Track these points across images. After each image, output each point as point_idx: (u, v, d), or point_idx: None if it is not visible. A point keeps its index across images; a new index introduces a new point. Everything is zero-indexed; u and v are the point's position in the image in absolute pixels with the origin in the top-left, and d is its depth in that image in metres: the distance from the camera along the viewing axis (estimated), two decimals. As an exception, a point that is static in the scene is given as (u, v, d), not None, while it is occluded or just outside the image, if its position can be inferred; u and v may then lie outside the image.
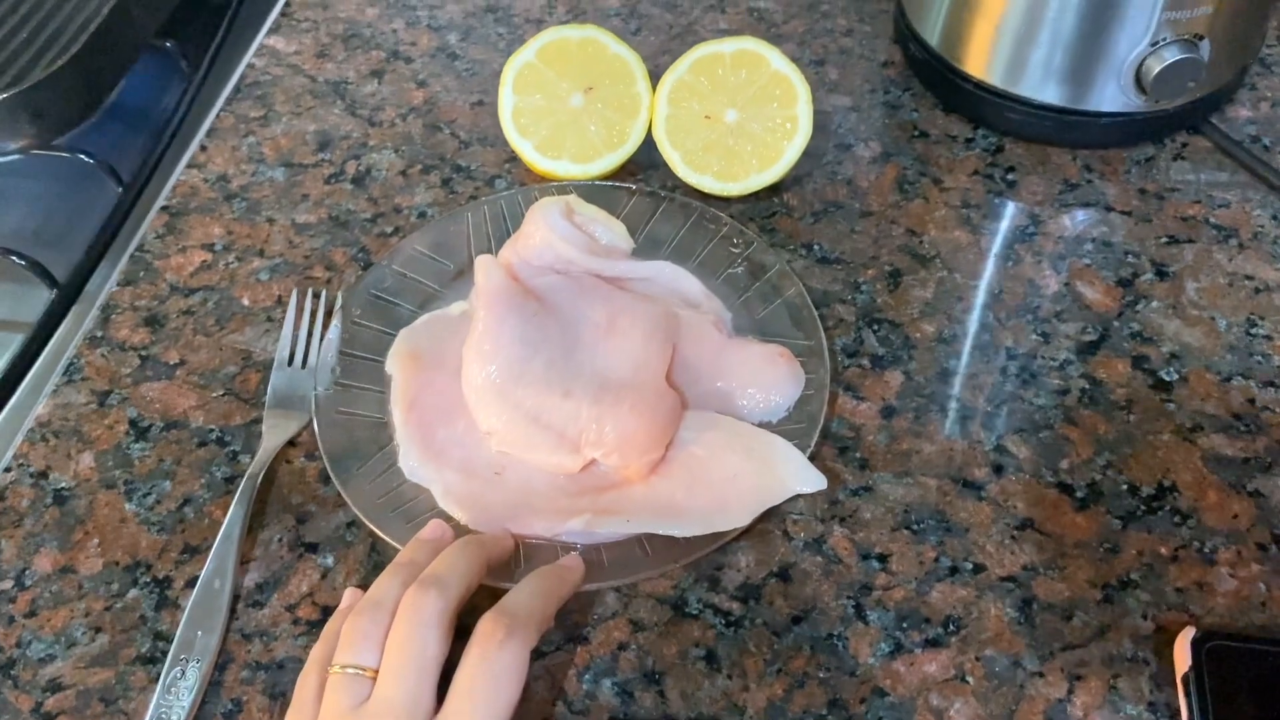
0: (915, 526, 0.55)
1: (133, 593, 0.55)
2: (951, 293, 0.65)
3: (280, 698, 0.51)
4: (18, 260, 0.69)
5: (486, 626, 0.45)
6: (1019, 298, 0.65)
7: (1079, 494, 0.56)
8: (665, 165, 0.69)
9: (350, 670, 0.45)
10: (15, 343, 0.69)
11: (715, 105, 0.68)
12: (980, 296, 0.65)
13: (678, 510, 0.52)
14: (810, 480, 0.53)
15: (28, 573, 0.56)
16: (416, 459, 0.55)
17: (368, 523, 0.54)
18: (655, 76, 0.70)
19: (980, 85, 0.71)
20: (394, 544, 0.53)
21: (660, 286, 0.62)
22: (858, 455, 0.58)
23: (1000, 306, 0.65)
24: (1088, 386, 0.61)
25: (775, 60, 0.67)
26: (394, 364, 0.59)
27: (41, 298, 0.71)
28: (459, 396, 0.57)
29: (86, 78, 0.74)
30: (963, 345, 0.63)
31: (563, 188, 0.68)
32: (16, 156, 0.76)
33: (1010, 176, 0.71)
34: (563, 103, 0.69)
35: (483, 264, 0.58)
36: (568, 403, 0.55)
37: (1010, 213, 0.69)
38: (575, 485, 0.54)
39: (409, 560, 0.49)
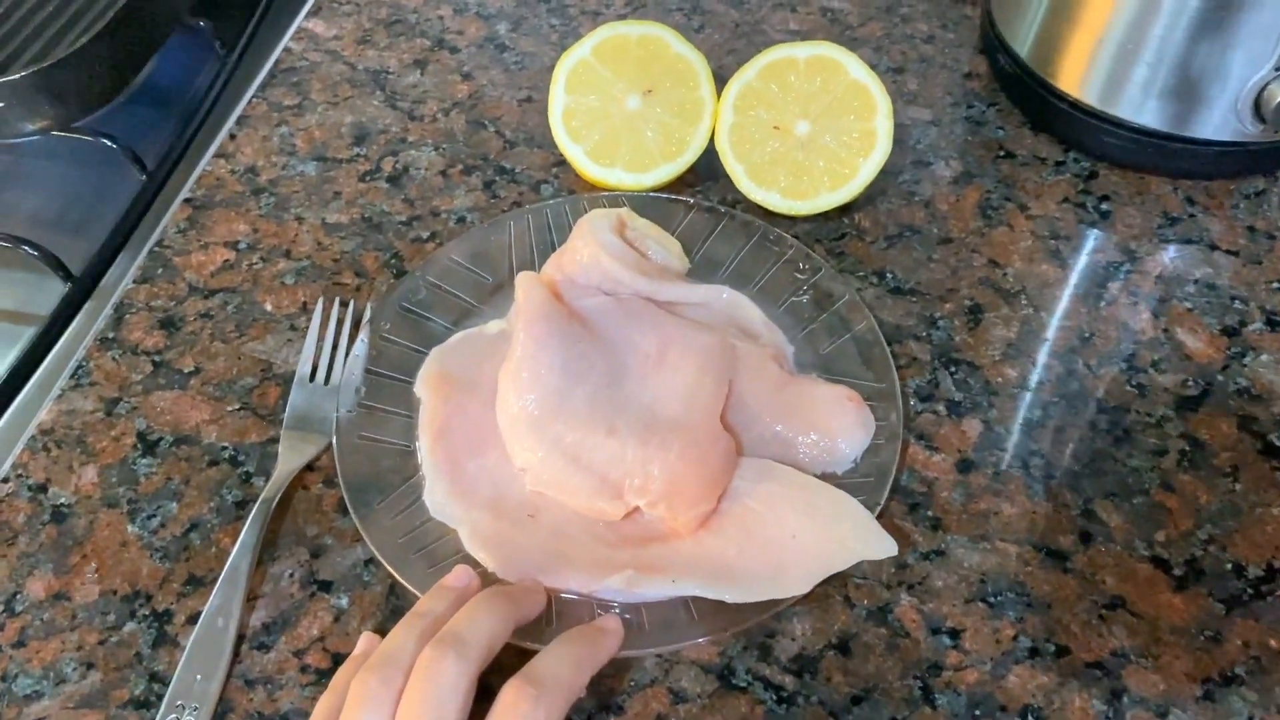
0: (992, 599, 0.50)
1: (129, 626, 0.50)
2: (1037, 333, 0.59)
3: (282, 755, 0.46)
4: (31, 251, 0.65)
5: (510, 695, 0.40)
6: (1111, 342, 0.59)
7: (1176, 571, 0.50)
8: (727, 178, 0.64)
9: None
10: (26, 336, 0.65)
11: (785, 115, 0.62)
12: (1069, 339, 0.59)
13: (729, 572, 0.47)
14: (879, 546, 0.48)
15: (19, 597, 0.51)
16: (443, 494, 0.50)
17: (386, 564, 0.49)
18: (718, 79, 0.64)
19: (1074, 104, 0.65)
20: (414, 591, 0.48)
21: (716, 313, 0.57)
22: (930, 514, 0.53)
23: (1090, 351, 0.58)
24: (1188, 448, 0.55)
25: (854, 68, 0.61)
26: (423, 386, 0.54)
27: (56, 289, 0.66)
28: (493, 426, 0.52)
29: (112, 57, 0.70)
30: (1048, 394, 0.57)
31: (614, 198, 0.63)
32: (36, 137, 0.71)
33: (1104, 206, 0.65)
34: (618, 105, 0.64)
35: (524, 281, 0.53)
36: (611, 441, 0.49)
37: (1103, 246, 0.63)
38: (615, 535, 0.49)
39: (429, 610, 0.44)
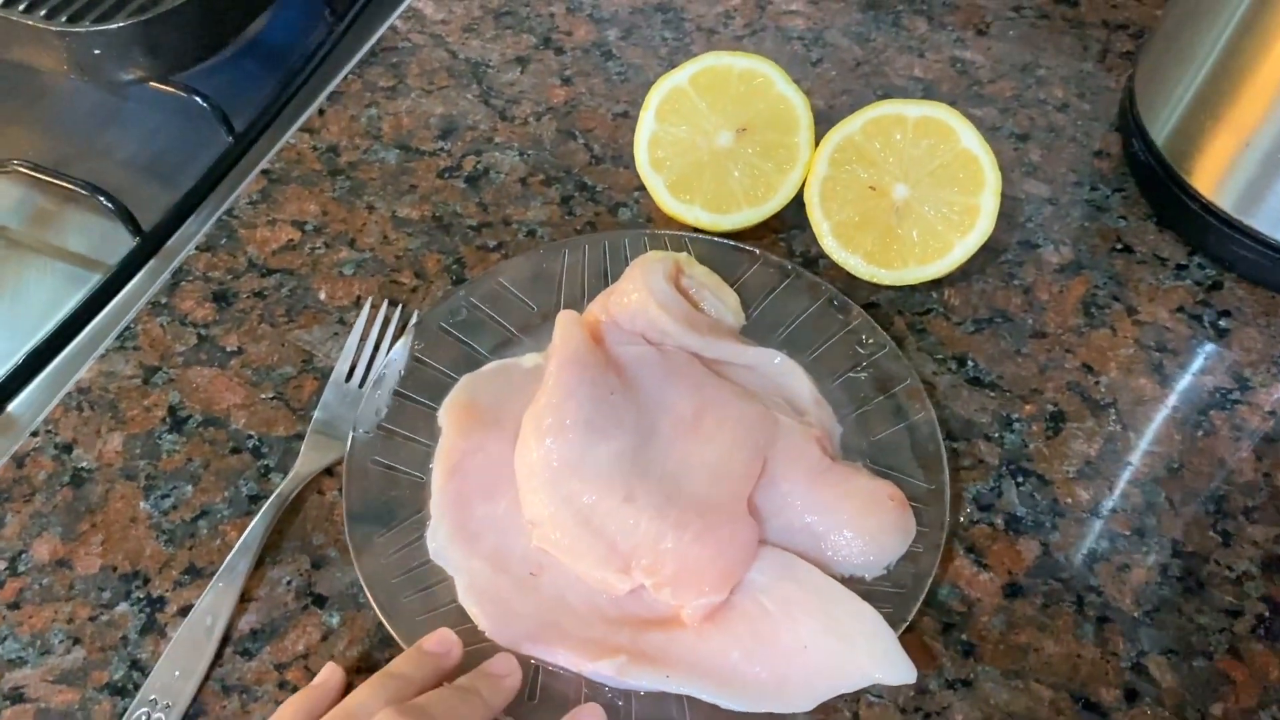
0: (1014, 745, 0.45)
1: (122, 607, 0.50)
2: (1120, 454, 0.54)
3: (243, 772, 0.45)
4: (105, 202, 0.65)
5: None
6: (1203, 479, 0.53)
7: (1229, 753, 0.45)
8: (811, 231, 0.60)
9: None
10: (90, 284, 0.65)
11: (884, 175, 0.58)
12: (1155, 467, 0.54)
13: (730, 676, 0.44)
14: (897, 672, 0.44)
15: (24, 556, 0.51)
16: (445, 536, 0.48)
17: (374, 604, 0.47)
18: (825, 117, 0.60)
19: (1207, 205, 0.59)
20: (396, 637, 0.46)
21: (764, 379, 0.53)
22: (963, 638, 0.48)
23: (1177, 485, 0.53)
24: (1267, 614, 0.49)
25: (966, 136, 0.57)
26: (446, 415, 0.51)
27: (126, 239, 0.66)
28: (510, 469, 0.49)
29: (213, 16, 0.69)
30: (1121, 525, 0.52)
31: (678, 239, 0.59)
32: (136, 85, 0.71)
33: (1223, 323, 0.59)
34: (709, 139, 0.60)
35: (564, 321, 0.50)
36: (627, 509, 0.46)
37: (1214, 367, 0.57)
38: (617, 610, 0.46)
39: (402, 674, 0.42)
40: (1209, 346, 0.58)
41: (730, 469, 0.48)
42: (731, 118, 0.60)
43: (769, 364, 0.53)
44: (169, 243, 0.66)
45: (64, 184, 0.66)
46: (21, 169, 0.67)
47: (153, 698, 0.46)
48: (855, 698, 0.46)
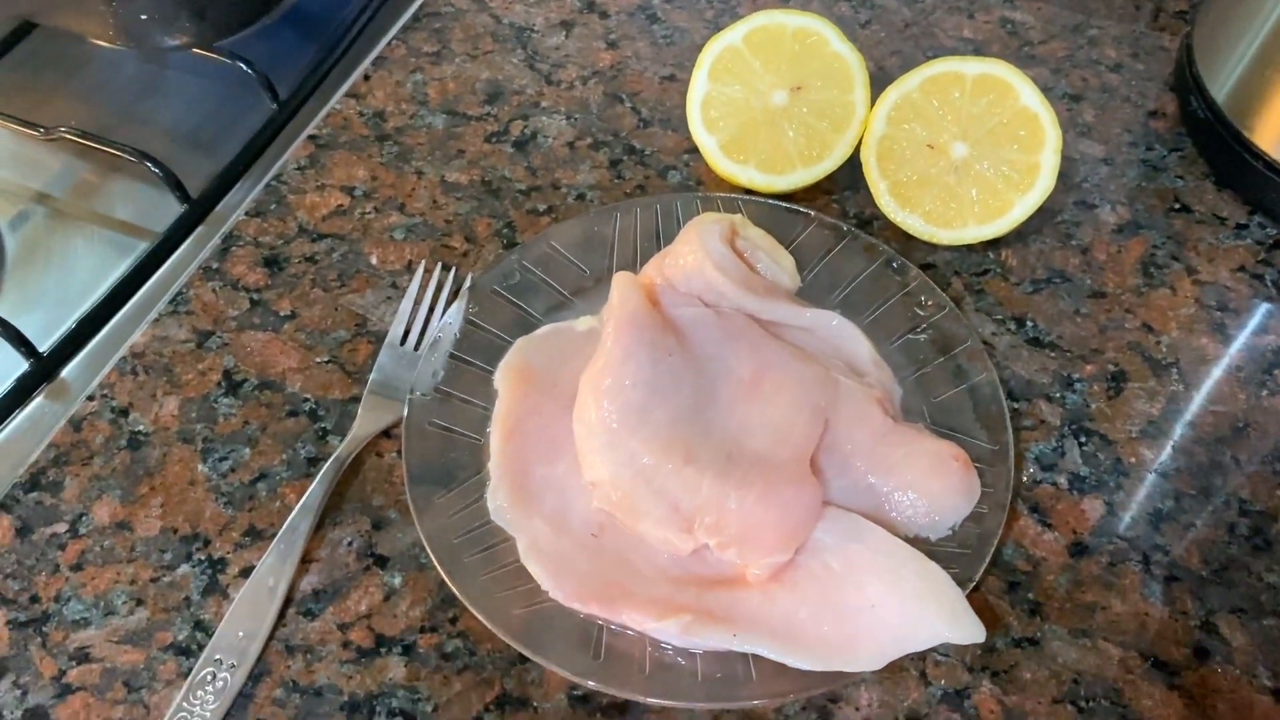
0: (1083, 703, 0.45)
1: (183, 568, 0.50)
2: (1183, 413, 0.53)
3: (309, 731, 0.45)
4: (153, 168, 0.65)
5: None
6: (1269, 437, 0.53)
7: (1301, 711, 0.45)
8: (868, 191, 0.59)
9: None
10: (138, 251, 0.65)
11: (942, 134, 0.57)
12: (1219, 426, 0.53)
13: (796, 635, 0.43)
14: (966, 631, 0.43)
15: (84, 519, 0.51)
16: (505, 498, 0.48)
17: (436, 564, 0.47)
18: (875, 79, 0.59)
19: (1270, 163, 0.58)
20: (459, 596, 0.46)
21: (822, 341, 0.53)
22: (1030, 597, 0.48)
23: (1242, 445, 0.52)
24: (1338, 572, 0.48)
25: (1026, 94, 0.56)
26: (502, 378, 0.51)
27: (175, 207, 0.66)
28: (568, 432, 0.49)
29: (259, -18, 0.68)
30: (1186, 484, 0.51)
31: (730, 201, 0.58)
32: (181, 52, 0.71)
33: (1286, 281, 0.58)
34: (763, 99, 0.59)
35: (620, 282, 0.49)
36: (688, 469, 0.46)
37: (1276, 326, 0.57)
38: (680, 569, 0.46)
39: None
40: (1271, 305, 0.57)
41: (791, 430, 0.48)
42: (785, 76, 0.59)
43: (827, 325, 0.53)
44: (216, 209, 0.66)
45: (111, 151, 0.66)
46: (69, 136, 0.67)
47: (218, 658, 0.46)
48: (922, 656, 0.46)
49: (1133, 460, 0.52)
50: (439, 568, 0.47)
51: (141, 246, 0.65)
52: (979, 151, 0.56)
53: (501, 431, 0.50)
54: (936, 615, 0.43)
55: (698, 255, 0.52)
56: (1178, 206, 0.61)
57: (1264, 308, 0.57)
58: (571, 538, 0.47)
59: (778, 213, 0.58)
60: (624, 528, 0.47)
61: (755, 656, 0.43)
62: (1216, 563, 0.49)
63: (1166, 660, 0.46)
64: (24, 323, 0.59)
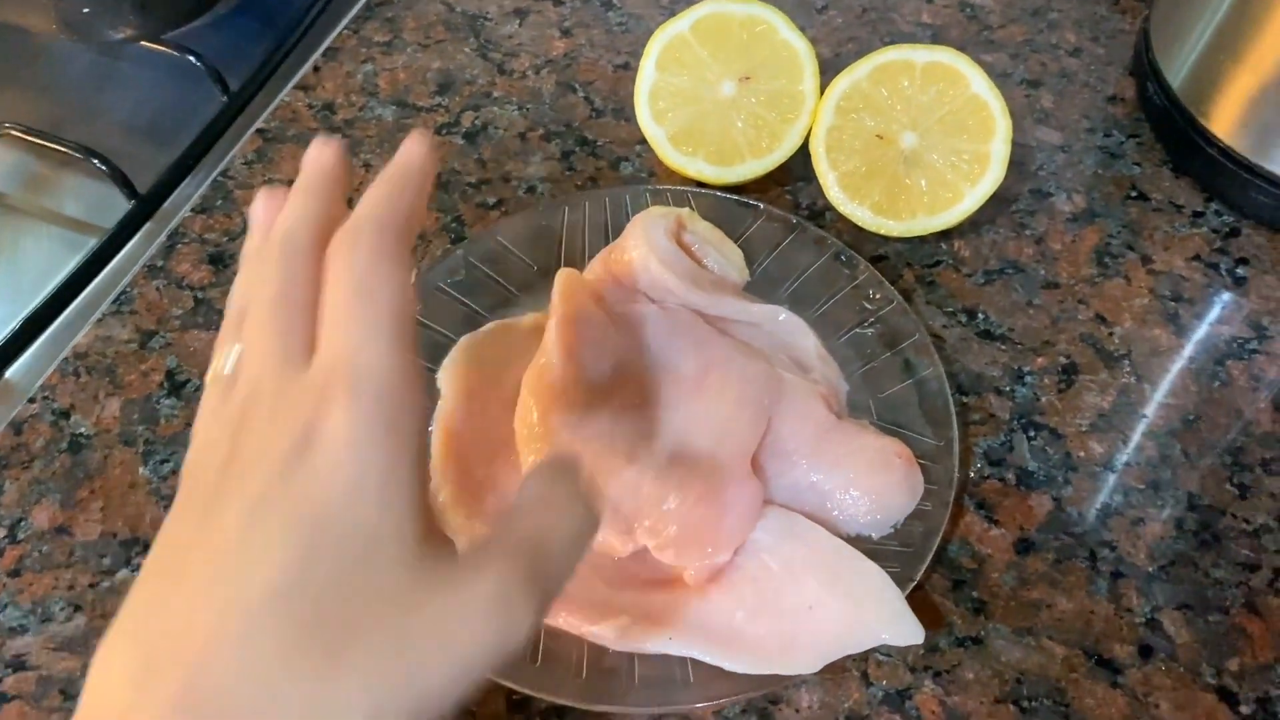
0: (1025, 702, 0.45)
1: (123, 573, 0.49)
2: (1135, 406, 0.53)
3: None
4: (99, 164, 0.64)
5: (330, 255, 0.32)
6: (1219, 431, 0.52)
7: (1244, 709, 0.45)
8: (817, 183, 0.58)
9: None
10: (86, 248, 0.64)
11: (892, 124, 0.56)
12: (1170, 419, 0.53)
13: (734, 638, 0.43)
14: (905, 632, 0.43)
15: (23, 524, 0.51)
16: (446, 499, 0.47)
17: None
18: (831, 66, 0.58)
19: (1225, 150, 0.57)
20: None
21: (768, 337, 0.52)
22: (974, 595, 0.47)
23: (1192, 438, 0.52)
24: (1286, 568, 0.48)
25: (976, 82, 0.55)
26: (445, 377, 0.50)
27: (122, 203, 0.65)
28: (510, 431, 0.48)
29: (204, -28, 0.67)
30: (1135, 478, 0.51)
31: (679, 194, 0.57)
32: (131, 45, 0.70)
33: (1240, 271, 0.58)
34: (711, 89, 0.58)
35: (563, 280, 0.49)
36: (629, 469, 0.45)
37: (1230, 316, 0.56)
38: (619, 572, 0.45)
39: (303, 217, 0.33)
40: (1226, 295, 0.57)
41: (734, 428, 0.47)
42: (734, 66, 0.58)
43: (774, 321, 0.52)
44: (165, 205, 0.65)
45: (58, 147, 0.65)
46: (15, 133, 0.66)
47: (155, 664, 0.46)
48: (864, 657, 0.45)
49: (1082, 455, 0.51)
50: (375, 572, 0.46)
51: (90, 243, 0.64)
52: (929, 141, 0.56)
53: (443, 431, 0.49)
54: (875, 616, 0.43)
55: (642, 251, 0.52)
56: (1134, 194, 0.61)
57: (1218, 297, 0.57)
58: (509, 540, 0.46)
59: (727, 205, 0.57)
60: (562, 530, 0.46)
61: (694, 660, 0.43)
62: (1164, 559, 0.48)
63: (1110, 658, 0.46)
64: (-31, 323, 0.59)
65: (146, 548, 0.49)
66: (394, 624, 0.28)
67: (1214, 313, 0.56)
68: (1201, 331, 0.55)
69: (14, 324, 0.60)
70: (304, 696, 0.27)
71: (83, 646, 0.47)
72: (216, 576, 0.28)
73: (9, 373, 0.59)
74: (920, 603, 0.47)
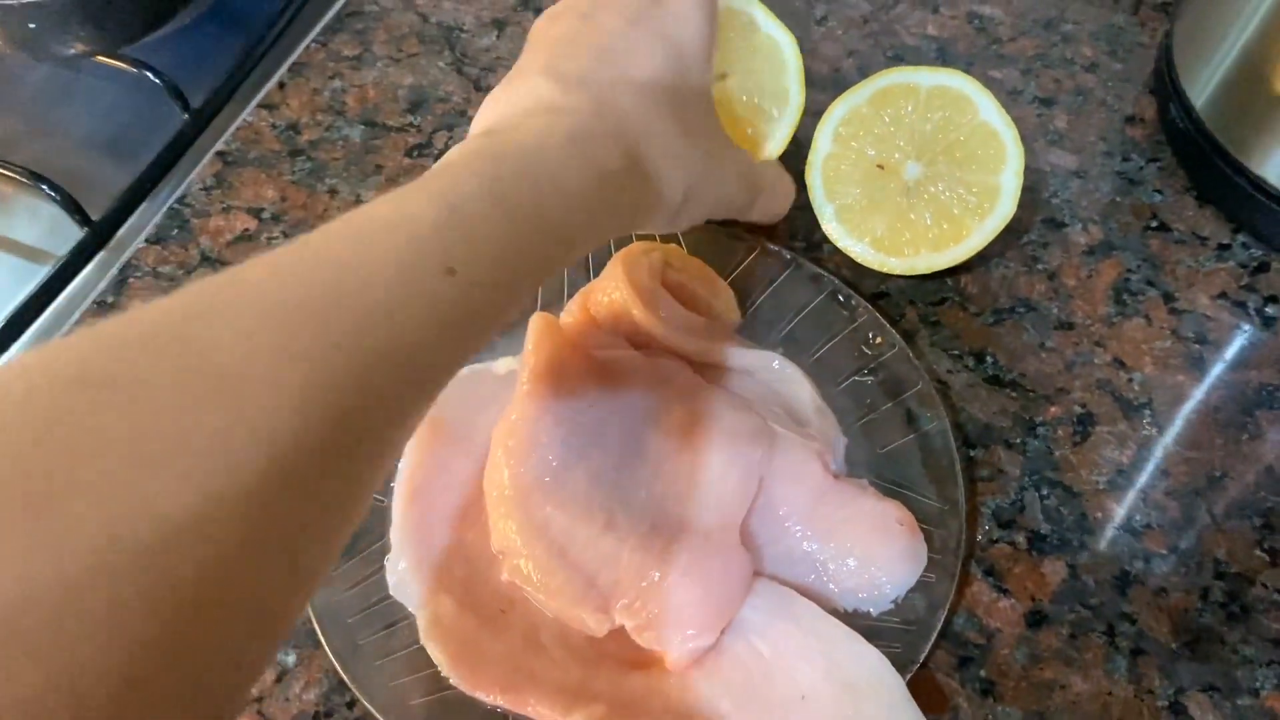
0: (1037, 796, 0.41)
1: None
2: (1157, 462, 0.49)
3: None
4: (49, 190, 0.60)
5: None
6: (1248, 490, 0.48)
7: (1277, 804, 0.41)
8: (814, 213, 0.54)
9: None
10: (38, 277, 0.60)
11: (893, 153, 0.52)
12: (1195, 476, 0.49)
13: (717, 732, 0.39)
14: (905, 725, 0.39)
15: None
16: (406, 569, 0.43)
17: (327, 648, 0.42)
18: (830, 82, 0.54)
19: (1254, 180, 0.53)
20: (351, 687, 0.41)
21: (762, 385, 0.48)
22: (982, 674, 0.44)
23: (1220, 496, 0.48)
24: (1321, 644, 0.44)
25: (985, 108, 0.51)
26: (409, 431, 0.46)
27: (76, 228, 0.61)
28: (479, 492, 0.44)
29: (159, -16, 0.63)
30: (1157, 543, 0.47)
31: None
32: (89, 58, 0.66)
33: (1270, 310, 0.53)
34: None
35: (536, 326, 0.45)
36: (606, 538, 0.42)
37: (1261, 361, 0.52)
38: (594, 651, 0.42)
39: None
40: (1255, 336, 0.53)
41: (723, 490, 0.43)
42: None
43: (767, 368, 0.48)
44: (120, 232, 0.61)
45: (5, 172, 0.61)
46: (-38, 155, 0.62)
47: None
48: (861, 745, 0.42)
49: (1099, 515, 0.47)
50: (329, 653, 0.42)
51: (43, 271, 0.61)
52: (934, 172, 0.51)
53: (405, 492, 0.46)
54: (873, 707, 0.39)
55: (624, 292, 0.48)
56: (1155, 224, 0.56)
57: (1245, 339, 0.52)
58: (477, 615, 0.42)
59: (717, 239, 0.53)
60: (535, 603, 0.43)
61: (672, 756, 0.39)
62: (1188, 634, 0.44)
63: (1130, 746, 0.42)
64: (-87, 360, 0.55)
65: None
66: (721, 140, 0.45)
67: (1241, 356, 0.52)
68: (1228, 377, 0.51)
69: (-43, 361, 0.56)
70: (691, 147, 0.41)
71: None
72: (605, 55, 0.40)
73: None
74: (923, 683, 0.43)
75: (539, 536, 0.42)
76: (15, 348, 0.58)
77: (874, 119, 0.52)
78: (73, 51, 0.63)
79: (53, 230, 0.63)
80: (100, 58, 0.65)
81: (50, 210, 0.64)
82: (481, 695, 0.41)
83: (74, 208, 0.60)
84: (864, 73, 0.53)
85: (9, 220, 0.65)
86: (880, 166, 0.52)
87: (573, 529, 0.42)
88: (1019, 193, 0.51)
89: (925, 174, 0.52)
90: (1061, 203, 0.57)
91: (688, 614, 0.40)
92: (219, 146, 0.61)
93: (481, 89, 0.63)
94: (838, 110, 0.52)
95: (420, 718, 0.41)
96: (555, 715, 0.40)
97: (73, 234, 0.61)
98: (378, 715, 0.41)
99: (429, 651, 0.42)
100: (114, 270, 0.57)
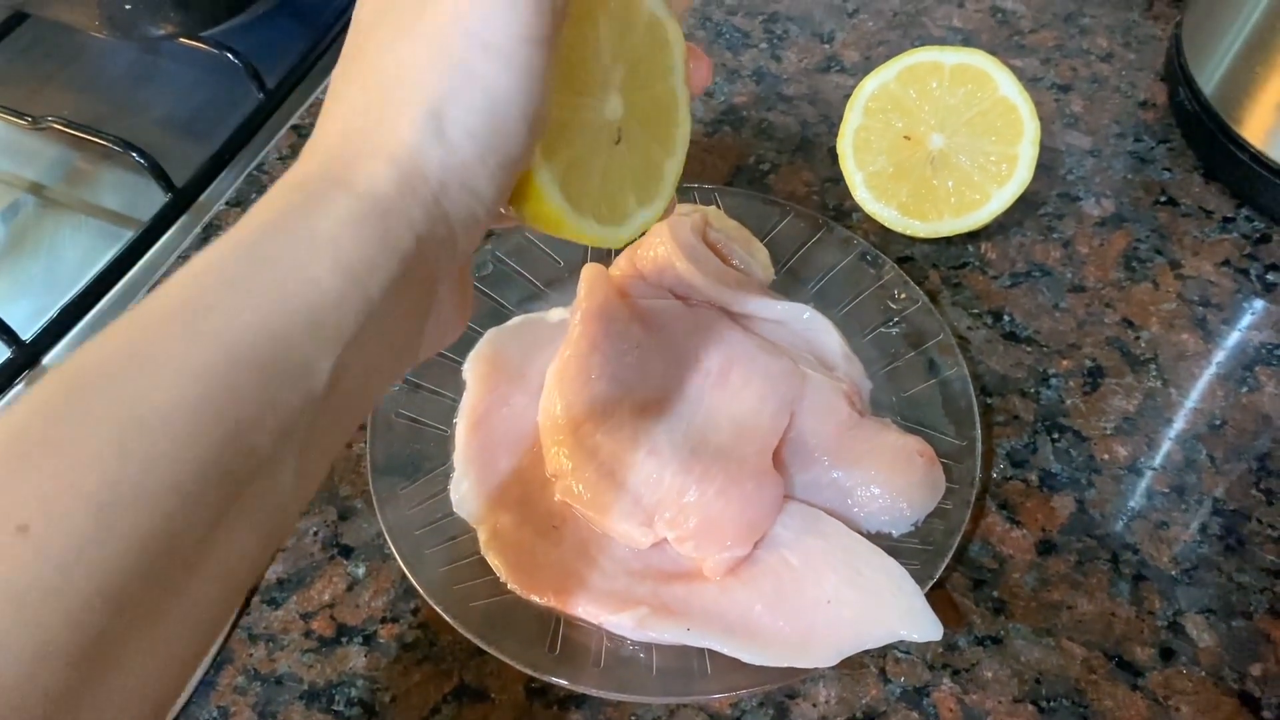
0: (1044, 703, 0.45)
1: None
2: (1161, 410, 0.53)
3: (272, 718, 0.45)
4: (138, 158, 0.65)
5: None
6: (1246, 437, 0.52)
7: (1267, 714, 0.44)
8: (844, 183, 0.58)
9: None
10: (123, 240, 0.65)
11: (920, 125, 0.56)
12: (1196, 424, 0.52)
13: (752, 630, 0.43)
14: (923, 628, 0.43)
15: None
16: (469, 489, 0.48)
17: (397, 556, 0.47)
18: (861, 69, 0.58)
19: (1257, 156, 0.57)
20: (419, 589, 0.46)
21: (793, 334, 0.52)
22: (994, 595, 0.47)
23: (1219, 442, 0.52)
24: (1312, 574, 0.48)
25: (1005, 84, 0.55)
26: (471, 369, 0.51)
27: (160, 196, 0.66)
28: (534, 423, 0.49)
29: (243, -29, 0.69)
30: (1159, 482, 0.50)
31: (705, 193, 0.57)
32: (172, 41, 0.71)
33: (1270, 277, 0.57)
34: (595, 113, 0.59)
35: (589, 274, 0.49)
36: (650, 462, 0.46)
37: (1260, 323, 0.56)
38: (640, 563, 0.46)
39: None
40: (1256, 301, 0.56)
41: (757, 425, 0.48)
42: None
43: (798, 319, 0.53)
44: (200, 198, 0.66)
45: (98, 140, 0.66)
46: (57, 126, 0.67)
47: (181, 645, 0.47)
48: (882, 653, 0.46)
49: (1106, 458, 0.51)
50: (400, 560, 0.47)
51: (127, 235, 0.66)
52: (957, 143, 0.56)
53: (468, 423, 0.50)
54: (893, 612, 0.43)
55: (669, 247, 0.52)
56: (1164, 199, 0.60)
57: (1247, 303, 0.56)
58: (533, 529, 0.46)
59: (754, 204, 0.57)
60: (585, 520, 0.47)
61: (711, 651, 0.43)
62: (1187, 562, 0.48)
63: (1131, 661, 0.46)
64: (12, 310, 0.60)
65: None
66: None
67: (1243, 318, 0.56)
68: (1230, 337, 0.55)
69: (51, 313, 0.61)
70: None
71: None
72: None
73: (45, 361, 0.60)
74: (940, 601, 0.47)
75: (590, 460, 0.46)
76: (103, 302, 0.63)
77: (902, 94, 0.56)
78: (161, 32, 0.69)
79: (136, 199, 0.68)
80: (184, 40, 0.70)
81: (133, 180, 0.69)
82: (535, 598, 0.45)
83: (160, 175, 0.65)
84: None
85: (95, 189, 0.70)
86: (907, 137, 0.56)
87: (620, 454, 0.46)
88: (1035, 161, 0.55)
89: (948, 144, 0.56)
90: (1076, 179, 0.61)
91: (724, 527, 0.45)
92: (294, 121, 0.66)
93: (536, 72, 0.68)
94: (869, 86, 0.57)
95: (479, 618, 0.45)
96: (603, 614, 0.44)
97: (155, 201, 0.66)
98: (442, 613, 0.45)
99: (489, 561, 0.46)
100: (197, 230, 0.62)
